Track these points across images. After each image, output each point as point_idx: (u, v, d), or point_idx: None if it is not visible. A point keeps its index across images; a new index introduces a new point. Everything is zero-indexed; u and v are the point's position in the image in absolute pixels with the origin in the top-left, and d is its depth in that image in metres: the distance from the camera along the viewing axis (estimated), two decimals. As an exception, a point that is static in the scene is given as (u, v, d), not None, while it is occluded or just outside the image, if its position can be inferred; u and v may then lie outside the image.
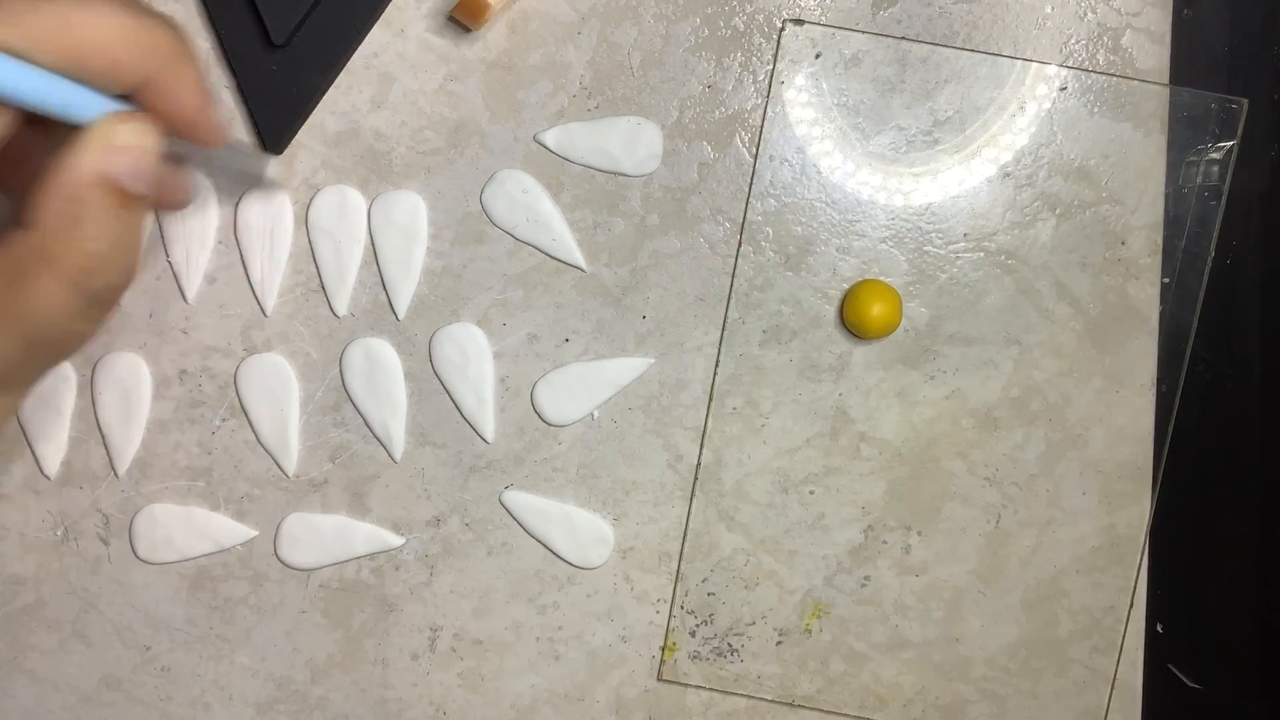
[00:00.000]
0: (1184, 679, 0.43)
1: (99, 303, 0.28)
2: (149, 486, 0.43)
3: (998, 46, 0.42)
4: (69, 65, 0.27)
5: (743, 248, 0.42)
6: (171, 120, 0.30)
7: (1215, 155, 0.42)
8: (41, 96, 0.26)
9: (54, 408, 0.42)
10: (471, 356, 0.42)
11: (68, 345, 0.29)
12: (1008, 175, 0.42)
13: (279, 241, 0.42)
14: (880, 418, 0.42)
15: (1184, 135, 0.42)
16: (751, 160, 0.42)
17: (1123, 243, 0.42)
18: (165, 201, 0.32)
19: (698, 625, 0.43)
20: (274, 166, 0.42)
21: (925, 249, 0.42)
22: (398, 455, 0.43)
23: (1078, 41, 0.42)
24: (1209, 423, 0.43)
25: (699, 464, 0.43)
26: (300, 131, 0.42)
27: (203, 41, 0.42)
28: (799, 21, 0.42)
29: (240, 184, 0.42)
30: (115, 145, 0.28)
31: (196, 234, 0.42)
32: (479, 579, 0.43)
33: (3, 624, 0.43)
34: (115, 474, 0.43)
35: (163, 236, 0.42)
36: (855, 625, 0.43)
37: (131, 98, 0.30)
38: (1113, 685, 0.43)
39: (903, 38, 0.42)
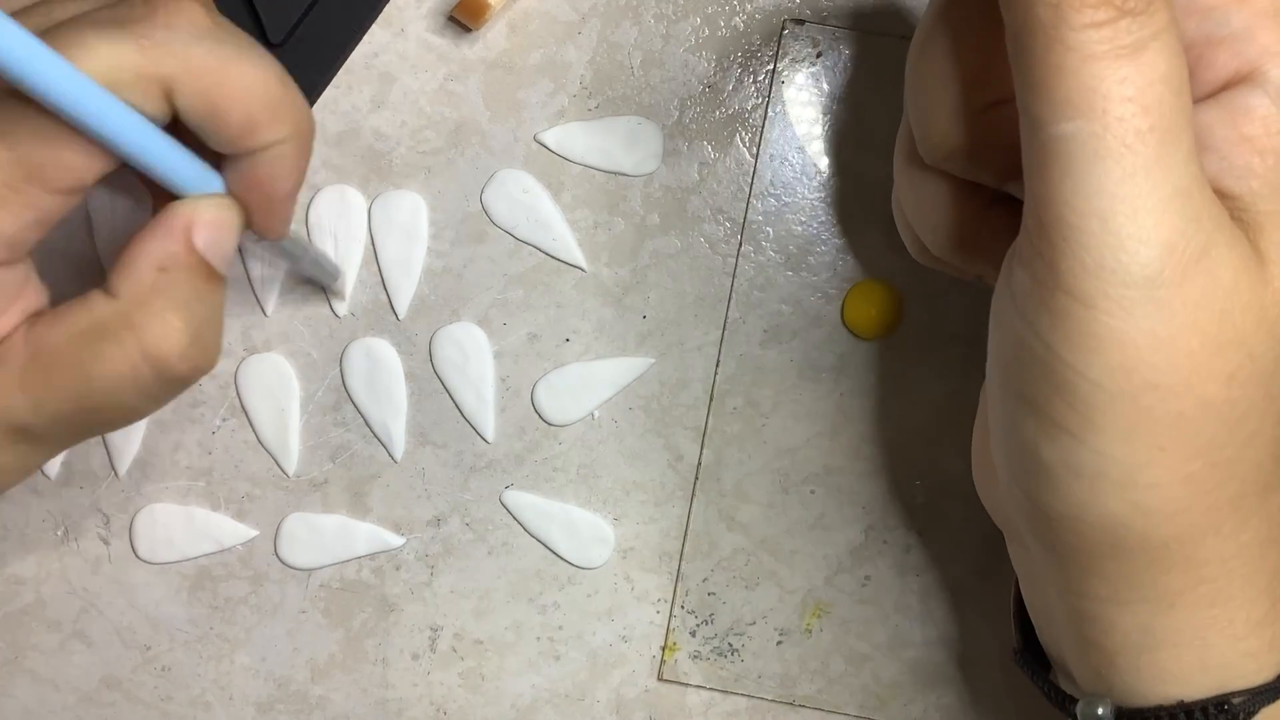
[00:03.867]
0: (1184, 679, 0.43)
1: (171, 384, 0.27)
2: (149, 486, 0.43)
3: (999, 46, 0.42)
4: (206, 108, 0.25)
5: (743, 247, 0.42)
6: (254, 201, 0.28)
7: (1216, 155, 0.42)
8: (155, 158, 0.25)
9: (54, 408, 0.42)
10: (472, 356, 0.42)
11: (118, 420, 0.27)
12: (1009, 175, 0.42)
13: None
14: (881, 417, 0.42)
15: (1185, 135, 0.42)
16: (752, 160, 0.42)
17: (1124, 242, 0.42)
18: None
19: (698, 625, 0.43)
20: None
21: (926, 249, 0.42)
22: (398, 455, 0.43)
23: (1079, 41, 0.42)
24: (1210, 422, 0.43)
25: (699, 464, 0.43)
26: (300, 131, 0.42)
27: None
28: (800, 21, 0.42)
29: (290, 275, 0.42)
30: (205, 219, 0.26)
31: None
32: (479, 579, 0.43)
33: (3, 624, 0.43)
34: (115, 474, 0.43)
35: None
36: (856, 625, 0.43)
37: (225, 165, 0.28)
38: (1113, 685, 0.43)
39: (903, 36, 0.42)
